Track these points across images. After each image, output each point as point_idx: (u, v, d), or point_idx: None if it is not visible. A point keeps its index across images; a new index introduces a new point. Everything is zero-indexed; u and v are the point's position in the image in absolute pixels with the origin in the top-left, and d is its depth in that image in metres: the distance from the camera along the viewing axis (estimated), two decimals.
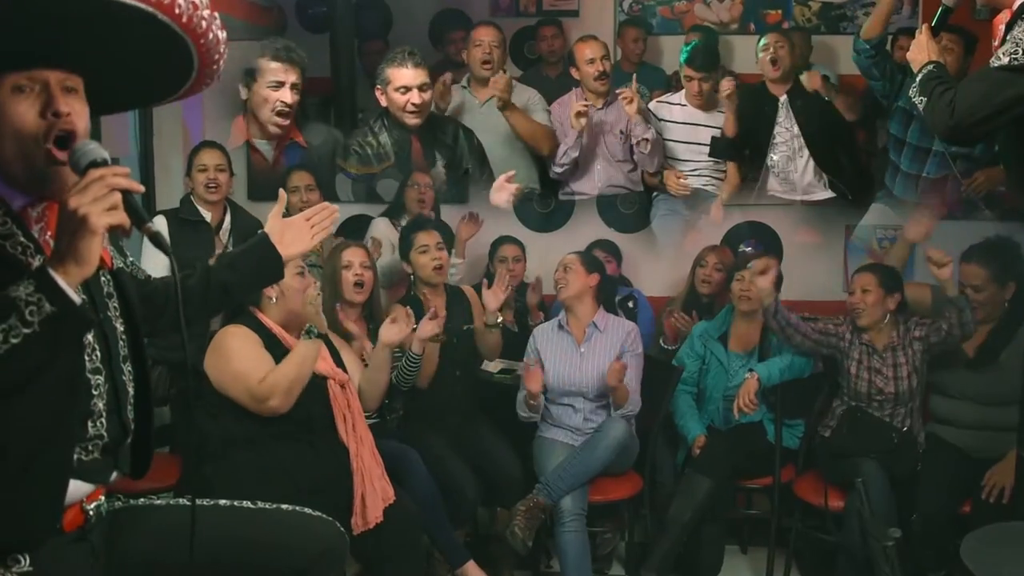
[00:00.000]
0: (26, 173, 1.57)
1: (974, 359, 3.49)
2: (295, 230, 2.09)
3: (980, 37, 3.85)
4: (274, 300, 3.06)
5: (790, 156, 4.39)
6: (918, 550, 3.26)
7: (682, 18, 4.84)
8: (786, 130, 4.38)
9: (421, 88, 4.09)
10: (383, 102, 4.16)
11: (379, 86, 4.14)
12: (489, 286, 3.69)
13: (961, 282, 3.50)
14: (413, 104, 4.08)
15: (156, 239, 1.55)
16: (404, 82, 4.06)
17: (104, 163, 1.53)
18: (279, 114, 4.12)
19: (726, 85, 4.28)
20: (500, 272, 3.78)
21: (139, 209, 1.53)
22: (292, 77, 4.06)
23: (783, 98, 4.36)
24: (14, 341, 1.40)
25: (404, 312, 3.36)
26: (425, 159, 4.26)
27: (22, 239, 1.55)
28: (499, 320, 3.69)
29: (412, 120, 4.13)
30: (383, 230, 4.16)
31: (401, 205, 4.20)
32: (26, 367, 1.44)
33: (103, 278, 1.63)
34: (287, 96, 4.07)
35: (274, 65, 4.03)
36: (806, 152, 4.38)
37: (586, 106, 4.25)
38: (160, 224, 3.58)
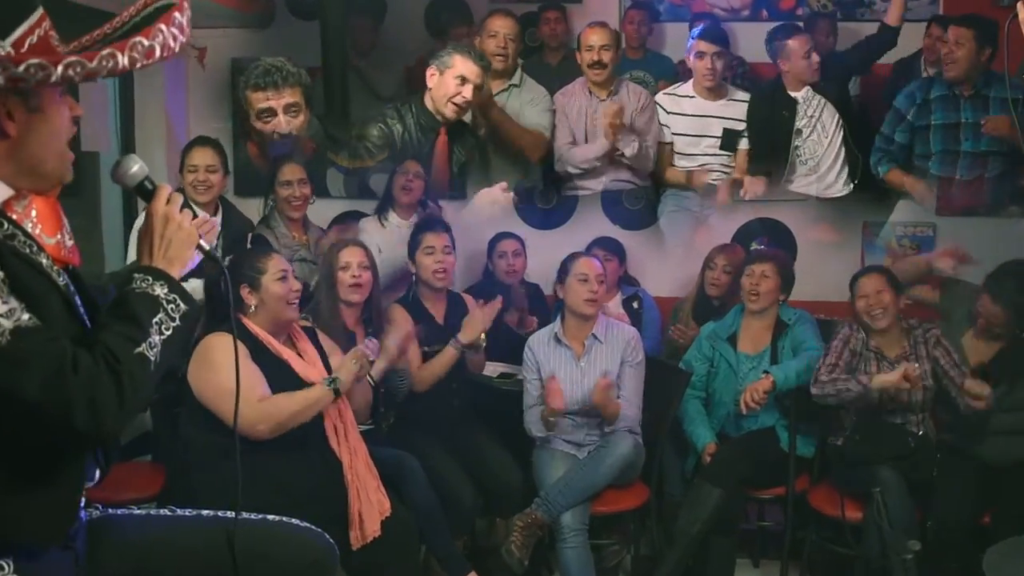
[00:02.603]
0: (58, 173, 1.69)
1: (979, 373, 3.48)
2: None
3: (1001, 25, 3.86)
4: (253, 308, 3.03)
5: (819, 138, 4.42)
6: (938, 561, 3.27)
7: (690, 4, 4.85)
8: (809, 118, 4.40)
9: (477, 87, 4.08)
10: (430, 83, 4.11)
11: (435, 65, 4.08)
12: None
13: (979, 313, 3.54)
14: (464, 97, 4.05)
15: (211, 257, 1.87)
16: (466, 72, 4.03)
17: (150, 179, 1.82)
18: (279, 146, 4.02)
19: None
20: (488, 307, 3.68)
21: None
22: (284, 100, 3.87)
23: (803, 92, 4.38)
24: (167, 333, 1.65)
25: (361, 352, 3.19)
26: (448, 153, 4.26)
27: (22, 238, 1.60)
28: (481, 340, 3.66)
29: (451, 113, 4.10)
30: (370, 231, 4.11)
31: (390, 197, 4.17)
32: (169, 358, 1.67)
33: (62, 278, 1.67)
34: (282, 125, 3.90)
35: (257, 95, 3.84)
36: (837, 142, 4.41)
37: (619, 117, 4.21)
38: None
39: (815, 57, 4.32)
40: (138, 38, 1.59)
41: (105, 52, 1.56)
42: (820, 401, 3.53)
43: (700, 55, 4.36)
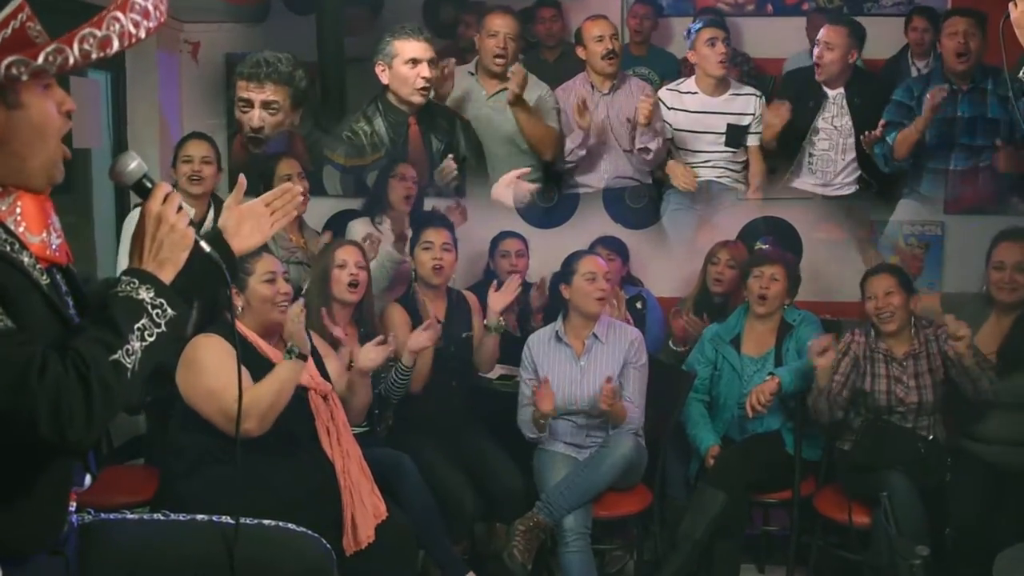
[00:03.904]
0: (46, 172, 1.66)
1: (997, 365, 3.49)
2: (254, 218, 1.95)
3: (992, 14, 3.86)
4: (240, 310, 3.00)
5: (832, 155, 4.42)
6: (953, 567, 3.26)
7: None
8: (833, 128, 4.40)
9: (430, 63, 4.03)
10: (384, 79, 4.09)
11: (381, 60, 4.04)
12: (493, 288, 3.69)
13: (995, 265, 3.54)
14: (423, 78, 4.00)
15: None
16: (415, 54, 3.98)
17: (149, 177, 1.80)
18: (251, 141, 4.02)
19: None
20: (513, 277, 3.77)
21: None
22: (264, 95, 3.89)
23: (836, 92, 4.37)
24: (150, 339, 1.62)
25: (388, 335, 3.35)
26: (423, 144, 4.23)
27: (3, 235, 1.59)
28: (501, 323, 3.69)
29: (419, 98, 4.06)
30: (361, 232, 4.04)
31: (383, 199, 4.12)
32: (154, 364, 1.64)
33: (49, 279, 1.66)
34: (255, 119, 3.92)
35: (240, 83, 3.88)
36: (850, 149, 4.41)
37: (585, 100, 4.20)
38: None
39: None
40: (88, 29, 1.54)
41: (51, 48, 1.51)
42: (820, 420, 3.58)
43: (711, 41, 4.33)
